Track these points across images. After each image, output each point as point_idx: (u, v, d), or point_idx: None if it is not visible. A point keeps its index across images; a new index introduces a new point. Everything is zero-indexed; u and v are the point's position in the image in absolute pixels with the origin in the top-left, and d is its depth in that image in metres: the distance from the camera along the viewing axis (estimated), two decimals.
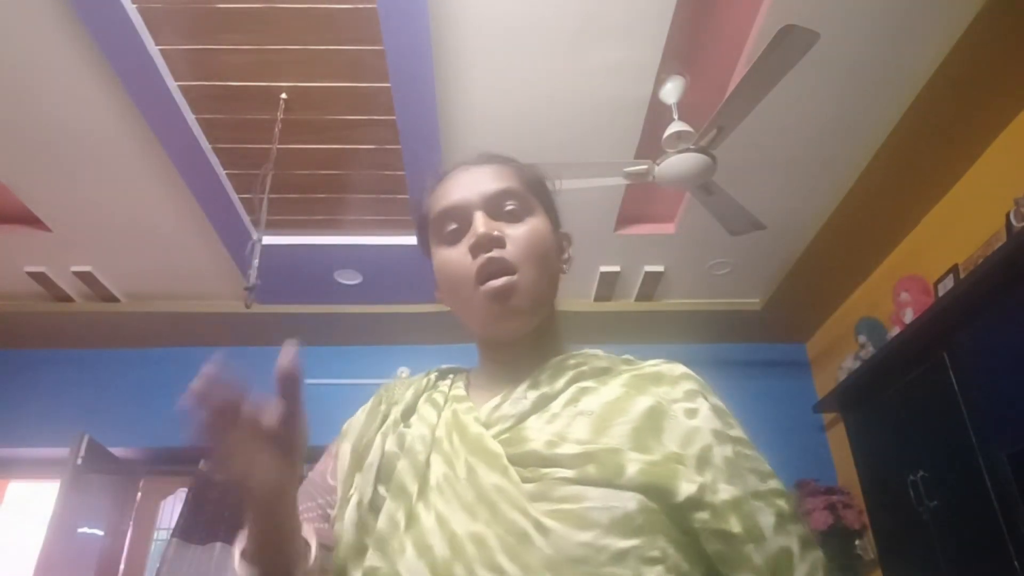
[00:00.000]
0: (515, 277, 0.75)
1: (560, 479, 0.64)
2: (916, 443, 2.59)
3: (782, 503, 0.67)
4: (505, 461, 0.67)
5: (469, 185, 0.81)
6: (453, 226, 0.80)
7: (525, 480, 0.66)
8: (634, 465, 0.63)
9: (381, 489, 0.71)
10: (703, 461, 0.66)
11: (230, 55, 2.15)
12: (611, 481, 0.63)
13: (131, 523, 3.64)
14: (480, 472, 0.67)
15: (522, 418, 0.72)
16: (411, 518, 0.67)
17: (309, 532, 0.71)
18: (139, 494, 3.73)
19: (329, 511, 0.78)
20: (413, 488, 0.69)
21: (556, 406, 0.73)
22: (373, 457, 0.74)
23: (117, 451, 3.46)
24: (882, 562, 2.89)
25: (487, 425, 0.72)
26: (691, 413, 0.70)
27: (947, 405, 2.38)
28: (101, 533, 3.37)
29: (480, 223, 0.77)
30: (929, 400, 2.51)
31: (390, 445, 0.74)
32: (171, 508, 3.90)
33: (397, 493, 0.69)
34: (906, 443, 2.66)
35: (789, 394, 3.67)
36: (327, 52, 2.15)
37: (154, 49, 2.11)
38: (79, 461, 3.14)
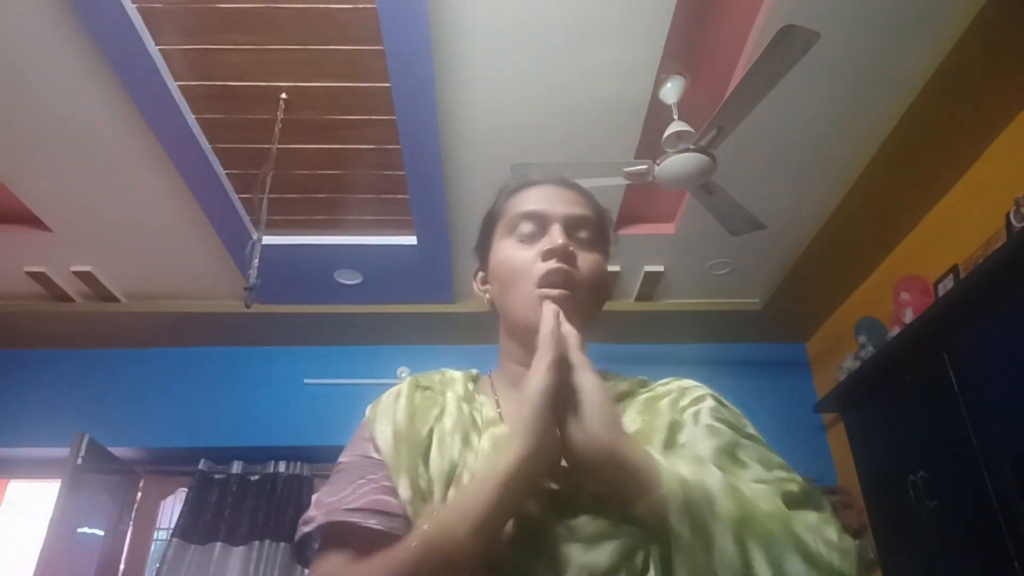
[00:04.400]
0: (571, 293, 0.80)
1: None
2: (916, 443, 2.59)
3: (792, 487, 0.72)
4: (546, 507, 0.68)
5: (555, 200, 0.87)
6: (530, 228, 0.85)
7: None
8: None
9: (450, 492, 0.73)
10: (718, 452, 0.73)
11: (230, 55, 2.16)
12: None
13: (131, 523, 3.63)
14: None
15: None
16: None
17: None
18: (139, 494, 3.72)
19: (387, 484, 0.75)
20: None
21: None
22: (443, 464, 0.75)
23: (117, 451, 3.46)
24: (882, 562, 2.89)
25: None
26: (696, 416, 0.77)
27: (947, 405, 2.38)
28: (101, 533, 3.37)
29: (559, 235, 0.82)
30: (929, 400, 2.51)
31: (447, 458, 0.76)
32: (171, 508, 3.90)
33: None
34: (906, 443, 2.66)
35: (789, 394, 3.67)
36: (327, 52, 2.15)
37: (154, 49, 2.11)
38: (79, 461, 3.13)
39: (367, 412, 0.85)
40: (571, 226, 0.85)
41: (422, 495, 0.72)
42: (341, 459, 0.81)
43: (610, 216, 0.95)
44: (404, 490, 0.73)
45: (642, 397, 0.82)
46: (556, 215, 0.85)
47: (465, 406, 0.82)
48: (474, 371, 0.91)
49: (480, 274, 0.94)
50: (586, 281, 0.82)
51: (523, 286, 0.82)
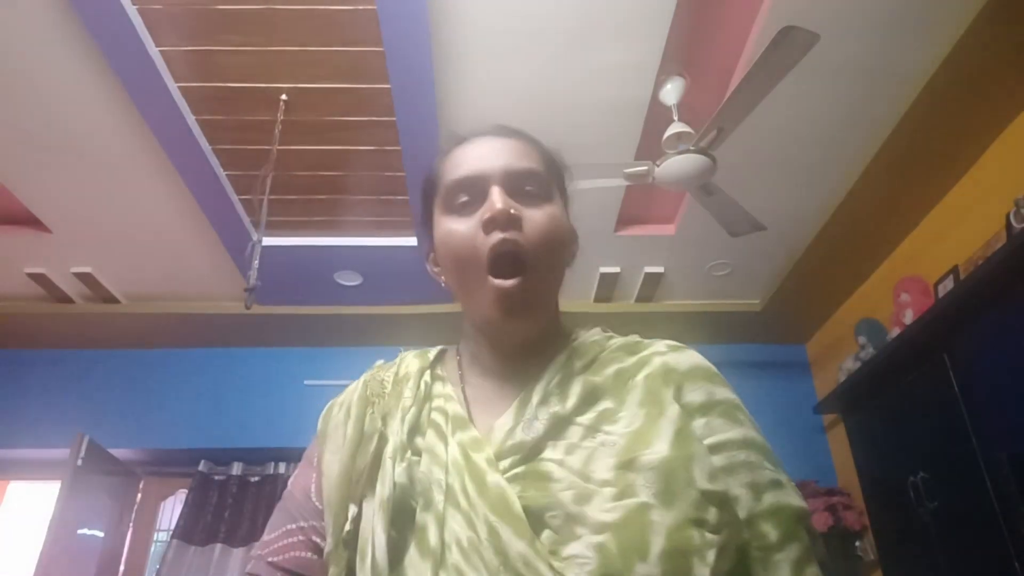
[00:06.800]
0: (527, 276, 0.70)
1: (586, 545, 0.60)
2: (916, 444, 2.59)
3: (769, 528, 0.64)
4: (530, 530, 0.60)
5: (490, 157, 0.74)
6: (465, 198, 0.73)
7: (547, 527, 0.61)
8: (658, 540, 0.58)
9: (392, 531, 0.64)
10: (724, 496, 0.63)
11: (230, 56, 2.16)
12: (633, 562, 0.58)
13: (131, 524, 3.63)
14: (504, 536, 0.60)
15: (537, 448, 0.66)
16: None
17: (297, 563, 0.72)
18: (139, 495, 3.72)
19: (316, 539, 0.73)
20: (439, 547, 0.62)
21: (574, 435, 0.66)
22: (385, 490, 0.66)
23: (117, 452, 3.46)
24: (882, 563, 2.89)
25: (499, 455, 0.66)
26: (708, 427, 0.68)
27: (947, 405, 2.38)
28: (101, 534, 3.37)
29: (498, 198, 0.70)
30: (929, 400, 2.51)
31: (400, 476, 0.67)
32: (171, 509, 3.89)
33: (424, 551, 0.63)
34: (906, 444, 2.66)
35: (789, 395, 3.67)
36: (327, 53, 2.15)
37: (154, 50, 2.11)
38: (79, 462, 3.13)
39: (319, 424, 0.80)
40: (513, 182, 0.73)
41: (344, 543, 0.67)
42: (290, 482, 0.79)
43: (561, 158, 0.82)
44: (329, 541, 0.70)
45: (640, 382, 0.70)
46: (494, 174, 0.72)
47: (415, 413, 0.73)
48: (433, 352, 0.83)
49: (432, 254, 0.81)
50: (539, 242, 0.71)
51: (472, 273, 0.71)
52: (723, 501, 0.62)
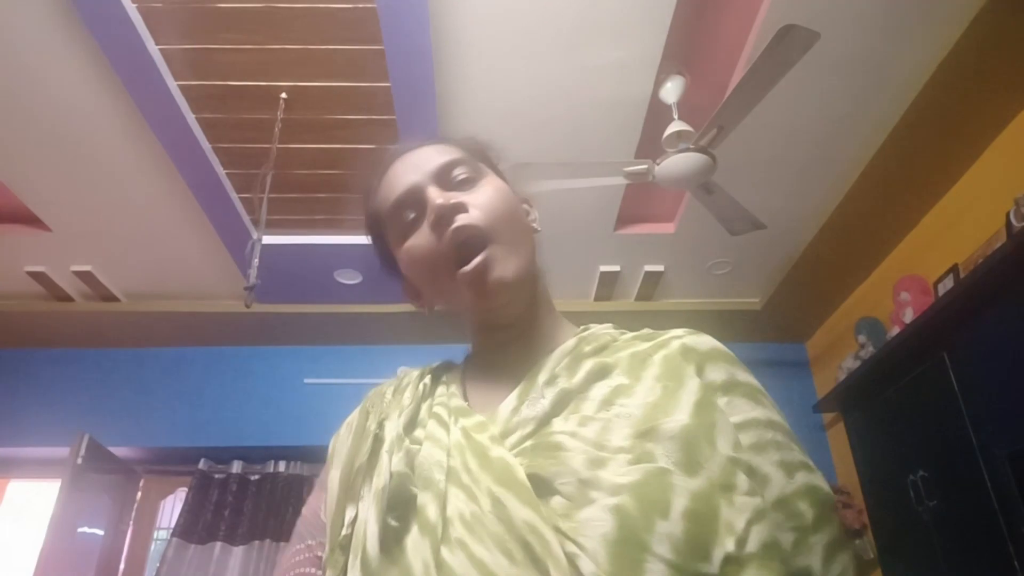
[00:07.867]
0: (489, 250, 0.70)
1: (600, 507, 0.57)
2: (916, 443, 2.59)
3: (805, 508, 0.61)
4: (535, 496, 0.58)
5: (413, 168, 0.76)
6: (411, 215, 0.74)
7: (558, 494, 0.59)
8: (680, 500, 0.55)
9: (391, 519, 0.62)
10: (751, 469, 0.61)
11: (230, 55, 2.16)
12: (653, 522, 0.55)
13: (131, 523, 3.64)
14: (509, 505, 0.58)
15: (544, 421, 0.64)
16: (438, 558, 0.58)
17: None
18: (139, 494, 3.73)
19: (320, 553, 0.72)
20: (439, 522, 0.60)
21: (588, 408, 0.64)
22: (381, 480, 0.65)
23: (117, 451, 3.47)
24: (882, 562, 2.89)
25: (505, 433, 0.65)
26: (731, 407, 0.65)
27: (947, 405, 2.38)
28: (101, 533, 3.37)
29: (435, 195, 0.71)
30: (929, 400, 2.51)
31: (397, 464, 0.65)
32: (171, 508, 3.90)
33: (424, 528, 0.60)
34: (906, 443, 2.66)
35: (789, 394, 3.67)
36: (327, 52, 2.15)
37: (154, 49, 2.11)
38: (79, 461, 3.14)
39: (330, 445, 0.80)
40: (443, 177, 0.74)
41: (341, 547, 0.65)
42: (307, 499, 0.80)
43: (479, 140, 0.82)
44: (326, 547, 0.69)
45: (658, 361, 0.68)
46: (423, 178, 0.74)
47: (428, 402, 0.73)
48: (436, 363, 0.82)
49: (410, 291, 0.82)
50: (491, 215, 0.71)
51: (444, 275, 0.71)
52: (751, 472, 0.60)
